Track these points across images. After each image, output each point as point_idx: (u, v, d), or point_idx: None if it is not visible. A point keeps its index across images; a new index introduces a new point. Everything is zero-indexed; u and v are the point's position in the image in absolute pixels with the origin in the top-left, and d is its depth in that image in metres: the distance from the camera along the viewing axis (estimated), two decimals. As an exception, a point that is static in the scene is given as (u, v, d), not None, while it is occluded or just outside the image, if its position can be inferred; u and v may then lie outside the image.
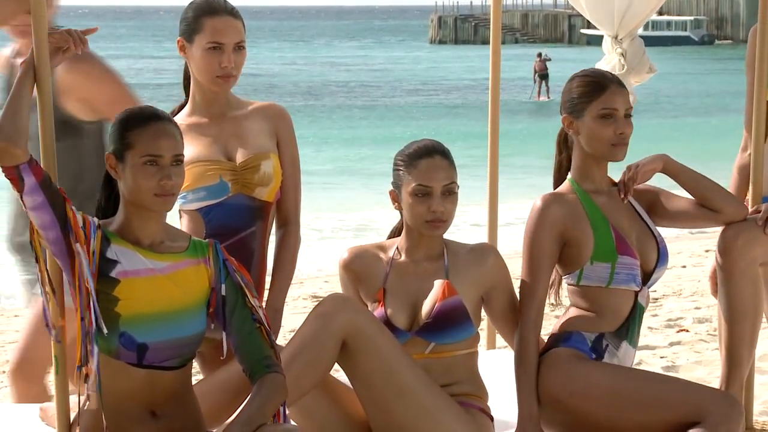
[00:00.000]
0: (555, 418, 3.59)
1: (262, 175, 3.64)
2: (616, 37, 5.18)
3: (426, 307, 3.46)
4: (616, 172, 3.73)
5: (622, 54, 5.16)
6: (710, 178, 3.79)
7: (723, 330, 3.90)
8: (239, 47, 3.64)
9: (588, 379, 3.51)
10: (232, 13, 3.64)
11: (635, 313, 3.66)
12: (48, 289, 3.16)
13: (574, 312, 3.67)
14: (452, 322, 3.44)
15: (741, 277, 3.79)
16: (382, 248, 3.61)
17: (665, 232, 3.81)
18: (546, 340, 3.71)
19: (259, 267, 3.69)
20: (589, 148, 3.65)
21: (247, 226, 3.65)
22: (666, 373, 5.45)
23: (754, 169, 4.06)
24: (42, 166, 3.15)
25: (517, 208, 13.61)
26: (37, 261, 3.16)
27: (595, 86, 3.63)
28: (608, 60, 5.19)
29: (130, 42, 76.73)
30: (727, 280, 3.82)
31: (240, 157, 3.65)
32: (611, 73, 3.72)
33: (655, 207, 3.78)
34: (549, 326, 3.88)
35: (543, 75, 34.65)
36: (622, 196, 3.71)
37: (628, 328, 3.65)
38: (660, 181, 3.79)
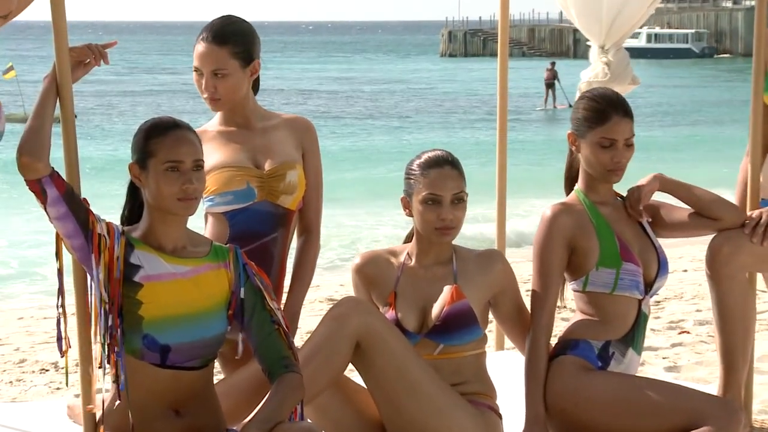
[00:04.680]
0: (560, 425, 3.66)
1: (288, 183, 3.72)
2: (602, 47, 5.34)
3: (435, 310, 3.53)
4: (620, 184, 3.82)
5: (607, 64, 5.31)
6: (706, 189, 3.85)
7: (716, 337, 3.95)
8: (216, 74, 3.69)
9: (592, 390, 3.58)
10: (213, 41, 3.69)
11: (639, 321, 3.73)
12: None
13: (581, 319, 3.74)
14: (460, 325, 3.50)
15: (728, 284, 3.84)
16: (394, 253, 3.67)
17: (665, 238, 3.88)
18: (553, 345, 3.77)
19: (279, 272, 3.76)
20: (588, 168, 3.75)
21: (270, 232, 3.72)
22: (668, 374, 5.55)
23: (752, 172, 4.09)
24: (65, 178, 3.23)
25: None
26: (58, 264, 3.26)
27: (600, 114, 3.68)
28: (593, 68, 5.35)
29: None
30: (716, 288, 3.87)
31: (267, 165, 3.73)
32: (618, 100, 3.73)
33: (657, 220, 3.85)
34: (555, 329, 3.96)
35: (549, 84, 34.51)
36: (639, 219, 3.79)
37: (634, 335, 3.72)
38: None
